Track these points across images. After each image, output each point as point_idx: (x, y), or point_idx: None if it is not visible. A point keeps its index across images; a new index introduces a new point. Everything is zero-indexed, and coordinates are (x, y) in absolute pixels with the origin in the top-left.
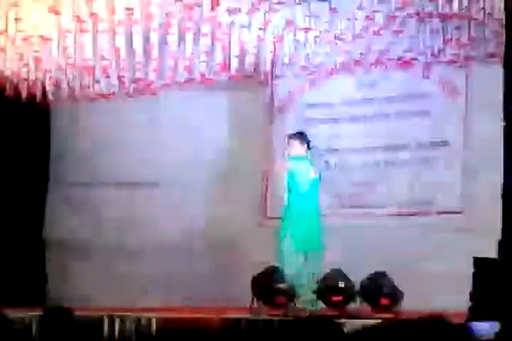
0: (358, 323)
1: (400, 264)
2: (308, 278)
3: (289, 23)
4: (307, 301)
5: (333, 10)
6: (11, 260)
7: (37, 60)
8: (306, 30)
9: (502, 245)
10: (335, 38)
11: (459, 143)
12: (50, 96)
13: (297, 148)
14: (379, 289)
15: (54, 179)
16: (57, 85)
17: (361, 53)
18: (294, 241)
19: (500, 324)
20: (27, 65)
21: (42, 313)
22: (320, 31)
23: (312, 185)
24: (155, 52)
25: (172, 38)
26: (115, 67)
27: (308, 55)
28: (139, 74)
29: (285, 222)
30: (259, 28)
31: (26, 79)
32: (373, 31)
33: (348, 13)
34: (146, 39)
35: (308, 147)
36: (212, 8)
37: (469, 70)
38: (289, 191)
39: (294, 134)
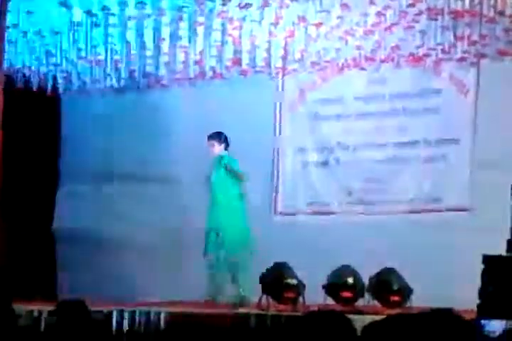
0: (368, 319)
1: (409, 261)
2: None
3: (301, 18)
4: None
5: (344, 5)
6: (21, 253)
7: (48, 54)
8: (318, 25)
9: (511, 243)
10: (346, 33)
11: (469, 141)
12: (60, 90)
13: (216, 148)
14: (388, 286)
15: (64, 172)
16: (67, 79)
17: (372, 49)
18: (221, 237)
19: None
20: (38, 58)
21: (55, 306)
22: (331, 27)
23: (234, 183)
24: (166, 47)
25: (183, 33)
26: (126, 61)
27: (319, 50)
28: (149, 69)
29: (211, 221)
30: (271, 23)
31: (37, 73)
32: (385, 27)
33: (359, 8)
34: (157, 33)
35: (227, 146)
36: (223, 3)
37: (480, 67)
38: (211, 191)
39: (211, 135)
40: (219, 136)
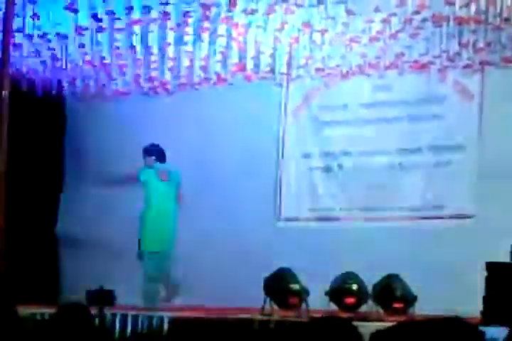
0: (371, 326)
1: (412, 268)
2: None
3: (306, 24)
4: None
5: (349, 12)
6: (24, 256)
7: (53, 58)
8: (323, 32)
9: None
10: (351, 40)
11: (473, 148)
12: (65, 94)
13: (147, 159)
14: (392, 292)
15: (68, 176)
16: (72, 83)
17: (377, 56)
18: (147, 243)
19: (510, 329)
20: (43, 62)
21: (56, 310)
22: (336, 33)
23: (162, 193)
24: (171, 52)
25: (188, 38)
26: (131, 65)
27: (324, 57)
28: (154, 73)
29: (141, 224)
30: (276, 29)
31: (42, 77)
32: (389, 34)
33: (364, 15)
34: (163, 38)
35: (160, 159)
36: (229, 9)
37: (485, 75)
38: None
39: (146, 147)
40: (150, 149)
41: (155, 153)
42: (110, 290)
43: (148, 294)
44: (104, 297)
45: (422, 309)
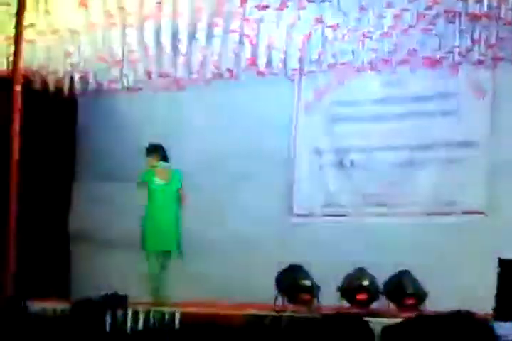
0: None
1: (425, 264)
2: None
3: (318, 20)
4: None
5: (361, 8)
6: (37, 252)
7: (65, 54)
8: (335, 27)
9: None
10: (363, 35)
11: (485, 143)
12: (77, 90)
13: (151, 159)
14: (403, 288)
15: (80, 172)
16: (84, 79)
17: (389, 52)
18: (150, 243)
19: None
20: (55, 58)
21: (70, 306)
22: (348, 29)
23: (163, 193)
24: (183, 47)
25: (200, 33)
26: (143, 61)
27: (336, 52)
28: (166, 69)
29: (144, 226)
30: (288, 25)
31: (54, 73)
32: (402, 30)
33: (376, 11)
34: (175, 34)
35: (164, 158)
36: (241, 4)
37: (497, 70)
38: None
39: (148, 147)
40: (154, 148)
41: (157, 152)
42: (124, 295)
43: (153, 291)
44: (118, 301)
45: (433, 305)
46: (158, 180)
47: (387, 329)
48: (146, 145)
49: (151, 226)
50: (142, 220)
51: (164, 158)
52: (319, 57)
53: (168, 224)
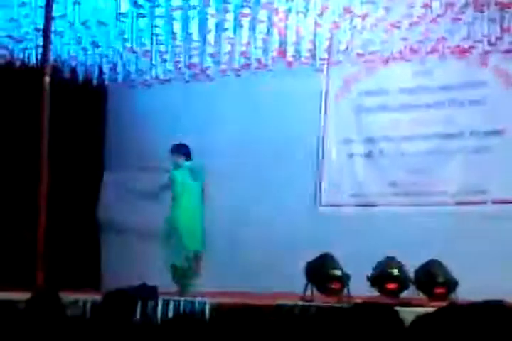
0: (413, 312)
1: (455, 253)
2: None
3: (346, 9)
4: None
5: None
6: (66, 243)
7: (94, 44)
8: (363, 17)
9: None
10: (392, 25)
11: None
12: (106, 80)
13: (175, 158)
14: (433, 278)
15: (109, 162)
16: (113, 69)
17: (418, 41)
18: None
19: None
20: (84, 49)
21: (102, 297)
22: (377, 18)
23: (192, 192)
24: (211, 38)
25: (229, 24)
26: (171, 52)
27: (364, 42)
28: (195, 60)
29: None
30: (316, 15)
31: (83, 63)
32: (431, 19)
33: (405, 0)
34: (203, 24)
35: (188, 157)
36: None
37: None
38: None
39: (173, 146)
40: (178, 148)
41: (182, 151)
42: (153, 286)
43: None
44: (147, 293)
45: (464, 294)
46: (183, 180)
47: (417, 320)
48: (171, 145)
49: (176, 226)
50: (168, 220)
51: (188, 156)
52: (348, 46)
53: (192, 224)
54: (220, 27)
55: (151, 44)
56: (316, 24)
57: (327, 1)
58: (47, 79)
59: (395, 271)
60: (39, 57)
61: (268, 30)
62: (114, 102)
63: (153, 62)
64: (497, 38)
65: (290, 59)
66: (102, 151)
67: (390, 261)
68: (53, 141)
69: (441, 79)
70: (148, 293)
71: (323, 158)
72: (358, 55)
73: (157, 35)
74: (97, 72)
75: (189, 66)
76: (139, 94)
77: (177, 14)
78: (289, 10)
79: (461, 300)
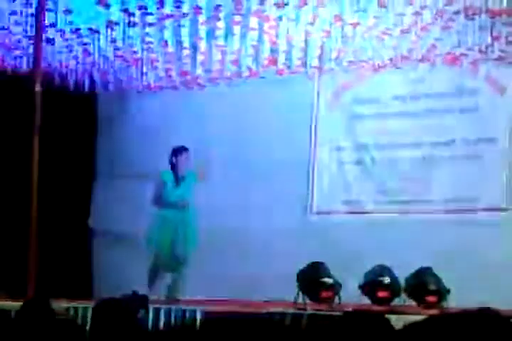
0: (404, 320)
1: (445, 261)
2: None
3: (337, 17)
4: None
5: (381, 5)
6: (58, 249)
7: (85, 52)
8: (354, 25)
9: None
10: (383, 33)
11: (506, 140)
12: (97, 88)
13: (174, 160)
14: (425, 286)
15: (100, 169)
16: (104, 77)
17: (409, 49)
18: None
19: None
20: (75, 57)
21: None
22: (368, 26)
23: (180, 195)
24: (202, 46)
25: (220, 32)
26: (162, 60)
27: (356, 50)
28: (186, 68)
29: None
30: (307, 23)
31: (75, 71)
32: (421, 27)
33: (396, 8)
34: (194, 32)
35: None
36: (260, 2)
37: None
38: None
39: (175, 148)
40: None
41: (181, 154)
42: (144, 295)
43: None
44: (138, 302)
45: (455, 302)
46: (174, 183)
47: (408, 328)
48: (173, 147)
49: (164, 231)
50: (154, 221)
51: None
52: (339, 54)
53: (181, 229)
54: (210, 35)
55: (142, 52)
56: (307, 32)
57: (318, 9)
58: (38, 86)
59: (386, 279)
60: (30, 65)
61: (259, 38)
62: (105, 110)
63: (144, 70)
64: (488, 46)
65: (281, 67)
66: (92, 159)
67: (381, 269)
68: (44, 148)
69: (432, 87)
70: (139, 301)
71: (315, 165)
72: (350, 62)
73: (148, 43)
74: (88, 79)
75: (180, 74)
76: (130, 102)
77: (168, 22)
78: (280, 18)
79: (452, 308)
